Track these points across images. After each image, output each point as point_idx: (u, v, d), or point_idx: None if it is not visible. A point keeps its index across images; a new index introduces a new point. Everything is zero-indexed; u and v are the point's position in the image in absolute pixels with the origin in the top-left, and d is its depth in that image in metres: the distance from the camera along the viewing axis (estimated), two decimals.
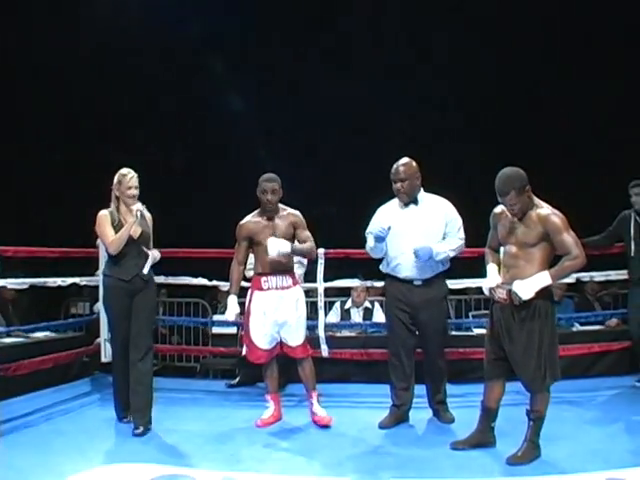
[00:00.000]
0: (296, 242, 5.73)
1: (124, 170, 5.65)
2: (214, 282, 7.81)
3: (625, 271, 7.18)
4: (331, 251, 6.54)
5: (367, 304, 8.12)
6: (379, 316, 7.99)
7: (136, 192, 5.61)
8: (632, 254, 6.84)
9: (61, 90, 12.23)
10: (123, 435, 5.43)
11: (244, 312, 5.91)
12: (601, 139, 11.83)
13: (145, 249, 5.68)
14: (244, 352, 6.02)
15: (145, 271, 5.63)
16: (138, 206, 5.56)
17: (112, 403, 5.90)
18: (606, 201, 7.88)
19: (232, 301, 5.78)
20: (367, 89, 12.70)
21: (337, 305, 8.21)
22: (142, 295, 5.65)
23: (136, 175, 5.63)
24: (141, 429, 5.46)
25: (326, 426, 5.68)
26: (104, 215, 5.63)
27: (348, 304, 8.18)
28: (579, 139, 12.09)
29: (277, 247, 5.49)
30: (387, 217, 5.69)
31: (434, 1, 12.38)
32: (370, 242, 5.65)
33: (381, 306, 8.18)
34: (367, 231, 5.77)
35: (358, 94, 12.51)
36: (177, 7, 12.11)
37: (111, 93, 12.53)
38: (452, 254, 5.58)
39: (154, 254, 5.72)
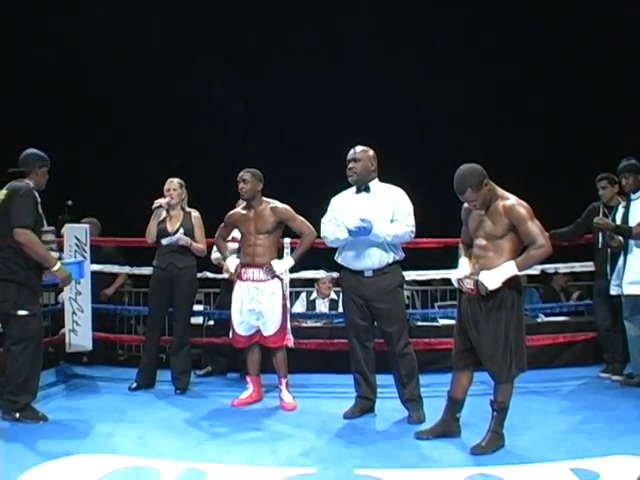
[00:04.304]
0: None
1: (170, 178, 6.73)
2: None
3: (589, 263, 7.23)
4: (297, 241, 6.54)
5: (333, 295, 8.15)
6: None
7: (173, 193, 6.65)
8: (599, 246, 6.89)
9: (56, 88, 12.21)
10: (88, 426, 5.39)
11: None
12: (571, 133, 11.96)
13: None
14: (230, 335, 6.37)
15: (164, 242, 6.58)
16: (158, 201, 6.61)
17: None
18: (576, 192, 7.92)
19: (230, 261, 6.36)
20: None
21: (303, 296, 8.26)
22: (179, 281, 6.65)
23: (176, 180, 6.71)
24: (179, 390, 6.58)
25: (290, 410, 5.99)
26: (153, 213, 6.65)
27: (314, 295, 8.21)
28: (550, 133, 12.23)
29: (282, 268, 6.22)
30: (340, 205, 5.74)
31: None
32: (340, 235, 5.60)
33: None
34: (323, 220, 5.81)
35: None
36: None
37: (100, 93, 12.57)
38: (394, 240, 5.47)
39: (179, 236, 6.58)
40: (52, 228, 5.73)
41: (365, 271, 5.56)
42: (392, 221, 5.49)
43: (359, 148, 5.66)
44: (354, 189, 5.71)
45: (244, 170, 6.22)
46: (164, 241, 6.57)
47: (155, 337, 6.86)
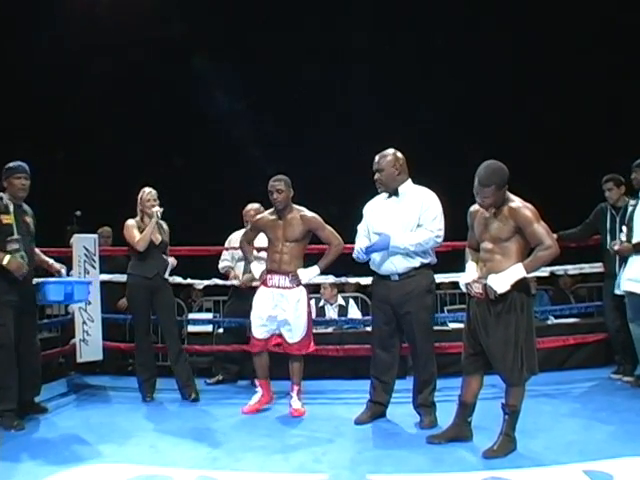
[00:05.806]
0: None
1: (145, 188, 6.76)
2: (188, 280, 7.76)
3: (599, 264, 7.20)
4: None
5: (341, 301, 8.14)
6: (354, 312, 8.01)
7: (154, 204, 6.67)
8: (608, 246, 6.85)
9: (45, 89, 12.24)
10: (100, 436, 5.38)
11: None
12: (572, 132, 11.96)
13: (165, 256, 6.81)
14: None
15: (167, 275, 6.81)
16: (157, 208, 6.64)
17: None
18: (585, 193, 7.90)
19: (254, 267, 6.38)
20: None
21: (312, 302, 8.21)
22: (161, 293, 6.74)
23: (154, 191, 6.72)
24: (194, 396, 6.62)
25: (299, 416, 5.98)
26: (131, 222, 6.72)
27: (322, 301, 8.19)
28: (550, 133, 12.24)
29: (308, 276, 6.13)
30: (369, 212, 5.76)
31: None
32: (361, 255, 5.64)
33: (355, 302, 8.19)
34: (358, 227, 5.83)
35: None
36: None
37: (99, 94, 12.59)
38: (418, 248, 5.41)
39: (172, 261, 6.91)
40: (18, 237, 5.69)
41: (391, 275, 5.55)
42: (419, 226, 5.45)
43: (379, 156, 5.61)
44: (386, 194, 5.68)
45: (275, 179, 6.14)
46: (167, 275, 6.84)
47: (152, 346, 6.98)
